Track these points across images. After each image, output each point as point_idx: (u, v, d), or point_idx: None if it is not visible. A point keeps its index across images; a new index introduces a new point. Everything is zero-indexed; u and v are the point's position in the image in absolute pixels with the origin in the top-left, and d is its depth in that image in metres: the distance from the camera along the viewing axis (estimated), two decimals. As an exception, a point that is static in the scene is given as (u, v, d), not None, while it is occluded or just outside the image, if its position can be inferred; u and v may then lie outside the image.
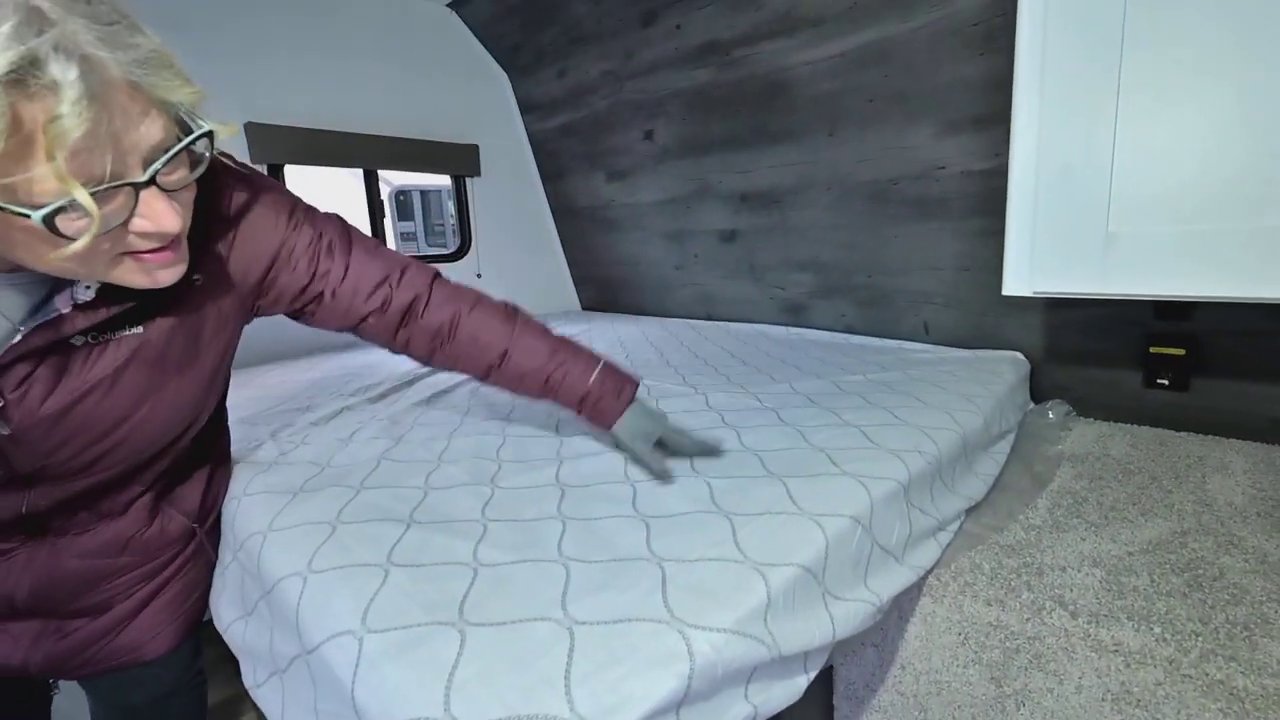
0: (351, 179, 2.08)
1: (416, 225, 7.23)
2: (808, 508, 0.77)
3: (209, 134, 0.51)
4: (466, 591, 0.62)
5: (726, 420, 1.13)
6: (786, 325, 2.02)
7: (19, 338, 0.57)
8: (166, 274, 0.55)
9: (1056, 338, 1.52)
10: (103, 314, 0.59)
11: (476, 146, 2.48)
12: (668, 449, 0.91)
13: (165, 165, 0.48)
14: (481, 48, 2.52)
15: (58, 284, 0.59)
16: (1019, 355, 1.54)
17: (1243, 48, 0.69)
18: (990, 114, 1.43)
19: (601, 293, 2.80)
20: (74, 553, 0.74)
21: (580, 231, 2.72)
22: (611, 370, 0.90)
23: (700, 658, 0.54)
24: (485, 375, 0.88)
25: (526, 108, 2.63)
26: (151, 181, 0.48)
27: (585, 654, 0.53)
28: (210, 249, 0.67)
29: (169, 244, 0.54)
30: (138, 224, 0.49)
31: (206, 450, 0.88)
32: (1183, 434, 1.36)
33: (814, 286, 1.94)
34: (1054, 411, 1.43)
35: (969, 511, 1.05)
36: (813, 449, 0.98)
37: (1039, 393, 1.54)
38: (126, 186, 0.47)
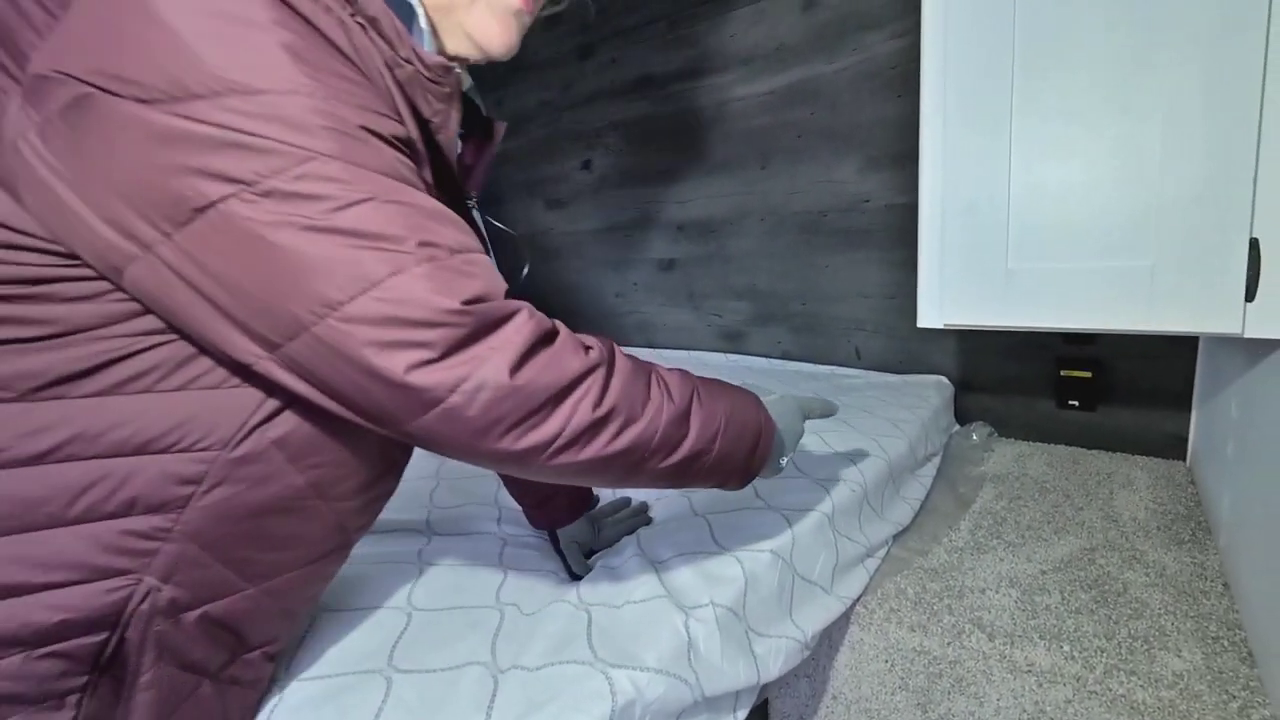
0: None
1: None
2: (727, 545, 0.77)
3: None
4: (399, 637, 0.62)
5: (659, 452, 1.12)
6: (725, 352, 2.05)
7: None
8: (517, 36, 0.54)
9: (977, 362, 1.59)
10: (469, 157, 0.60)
11: (413, 173, 2.43)
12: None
13: None
14: (419, 75, 2.49)
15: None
16: (943, 379, 1.60)
17: (1113, 106, 0.76)
18: (908, 151, 1.51)
19: (545, 320, 2.77)
20: None
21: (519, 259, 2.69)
22: None
23: (621, 696, 0.54)
24: None
25: (466, 135, 2.61)
26: None
27: (508, 700, 0.53)
28: None
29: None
30: None
31: None
32: (1094, 452, 1.43)
33: (751, 314, 1.98)
34: (977, 433, 1.49)
35: (896, 536, 1.07)
36: (742, 480, 0.99)
37: (963, 414, 1.60)
38: None
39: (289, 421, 0.43)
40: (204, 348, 0.40)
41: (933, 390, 1.50)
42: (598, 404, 0.45)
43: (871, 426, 1.22)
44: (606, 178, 2.17)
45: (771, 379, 1.71)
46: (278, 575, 0.47)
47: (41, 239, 0.37)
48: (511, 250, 2.72)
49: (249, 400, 0.42)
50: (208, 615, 0.44)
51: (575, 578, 0.77)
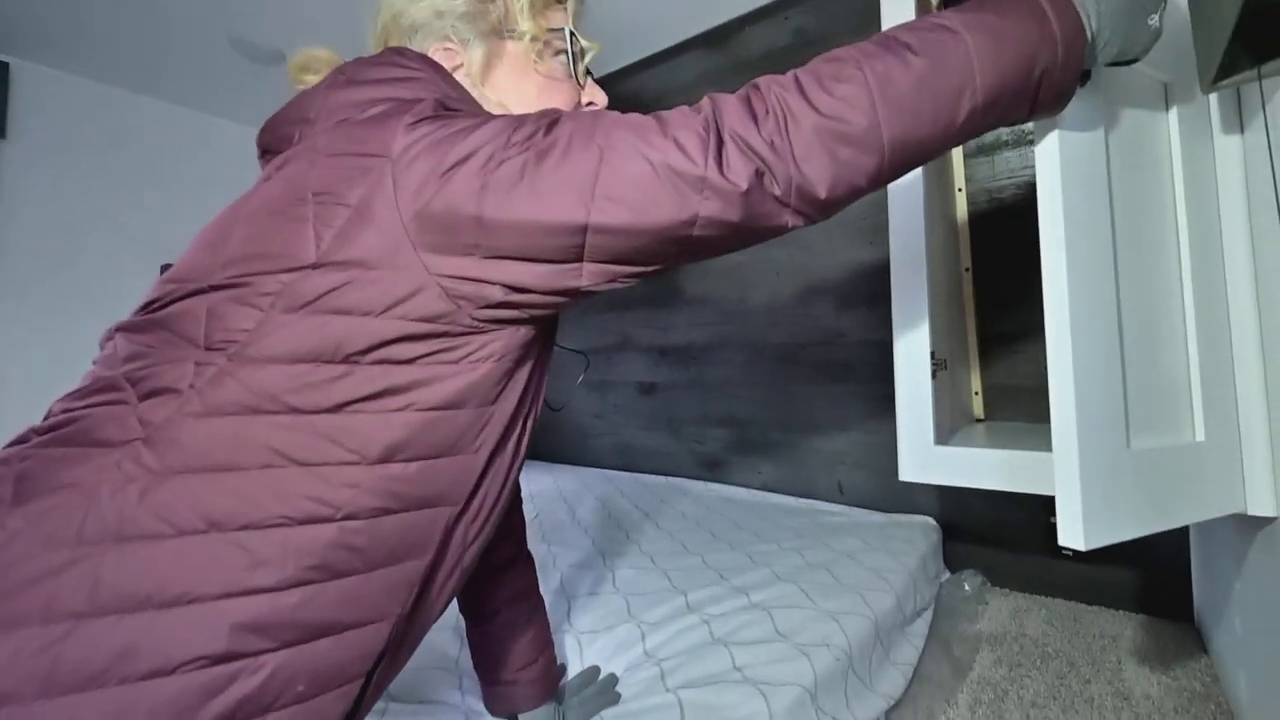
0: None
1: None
2: (696, 737, 0.67)
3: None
4: None
5: (632, 609, 1.03)
6: (704, 480, 1.98)
7: None
8: None
9: (963, 502, 1.53)
10: None
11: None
12: None
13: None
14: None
15: None
16: (930, 521, 1.53)
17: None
18: (881, 293, 1.54)
19: (523, 438, 2.71)
20: None
21: (504, 375, 2.68)
22: None
23: None
24: None
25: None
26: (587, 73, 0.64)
27: None
28: None
29: None
30: (590, 91, 0.63)
31: None
32: (1094, 608, 1.34)
33: (730, 441, 1.94)
34: (969, 583, 1.40)
35: (888, 712, 0.96)
36: (716, 644, 0.89)
37: (952, 559, 1.52)
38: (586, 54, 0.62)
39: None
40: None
41: (919, 534, 1.43)
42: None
43: (855, 578, 1.14)
44: (591, 302, 2.21)
45: (751, 512, 1.63)
46: None
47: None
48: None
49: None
50: None
51: None
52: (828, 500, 1.72)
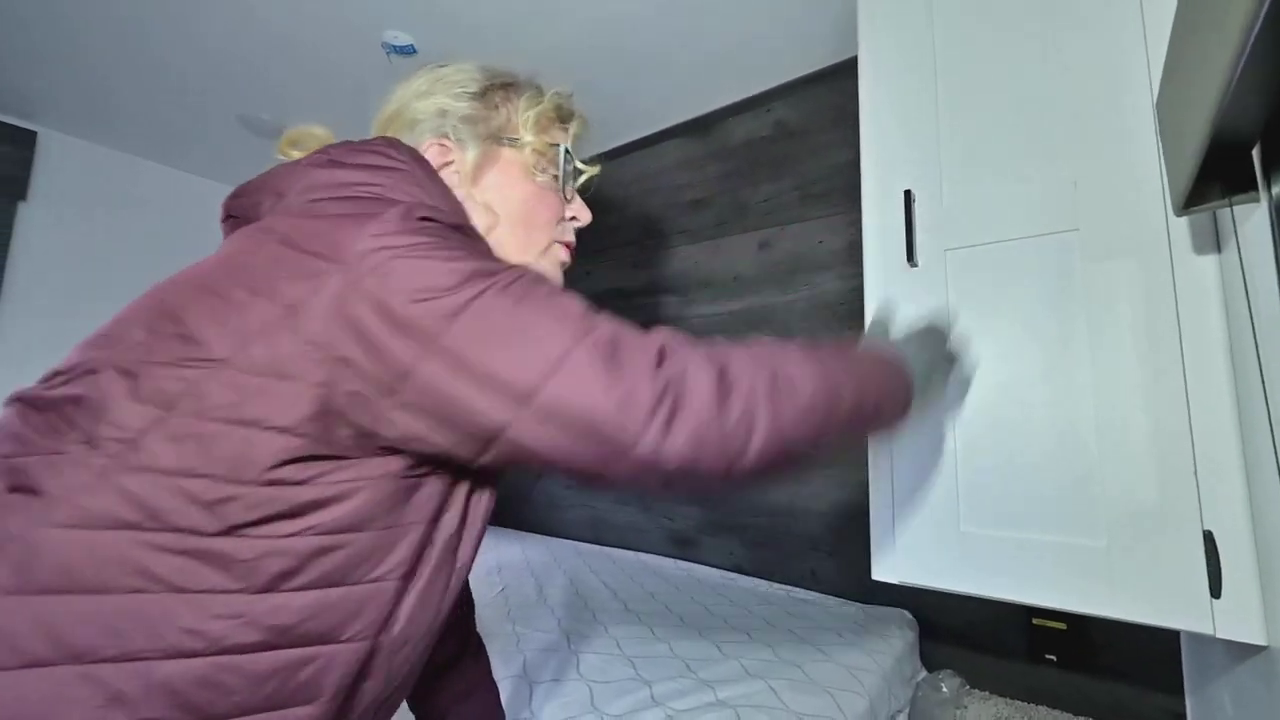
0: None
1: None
2: None
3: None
4: None
5: (596, 700, 0.98)
6: (675, 558, 1.92)
7: None
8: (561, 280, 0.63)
9: (941, 596, 1.49)
10: None
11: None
12: None
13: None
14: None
15: None
16: (907, 614, 1.49)
17: (1050, 386, 0.76)
18: (859, 377, 1.57)
19: (493, 504, 2.63)
20: None
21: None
22: None
23: None
24: None
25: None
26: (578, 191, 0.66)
27: None
28: None
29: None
30: (575, 207, 0.65)
31: None
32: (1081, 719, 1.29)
33: (703, 520, 1.90)
34: (947, 684, 1.34)
35: (859, 833, 0.89)
36: (678, 748, 0.84)
37: (929, 657, 1.46)
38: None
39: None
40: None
41: (895, 629, 1.38)
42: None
43: (828, 677, 1.09)
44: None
45: (722, 596, 1.57)
46: None
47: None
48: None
49: None
50: None
51: None
52: (801, 586, 1.68)
